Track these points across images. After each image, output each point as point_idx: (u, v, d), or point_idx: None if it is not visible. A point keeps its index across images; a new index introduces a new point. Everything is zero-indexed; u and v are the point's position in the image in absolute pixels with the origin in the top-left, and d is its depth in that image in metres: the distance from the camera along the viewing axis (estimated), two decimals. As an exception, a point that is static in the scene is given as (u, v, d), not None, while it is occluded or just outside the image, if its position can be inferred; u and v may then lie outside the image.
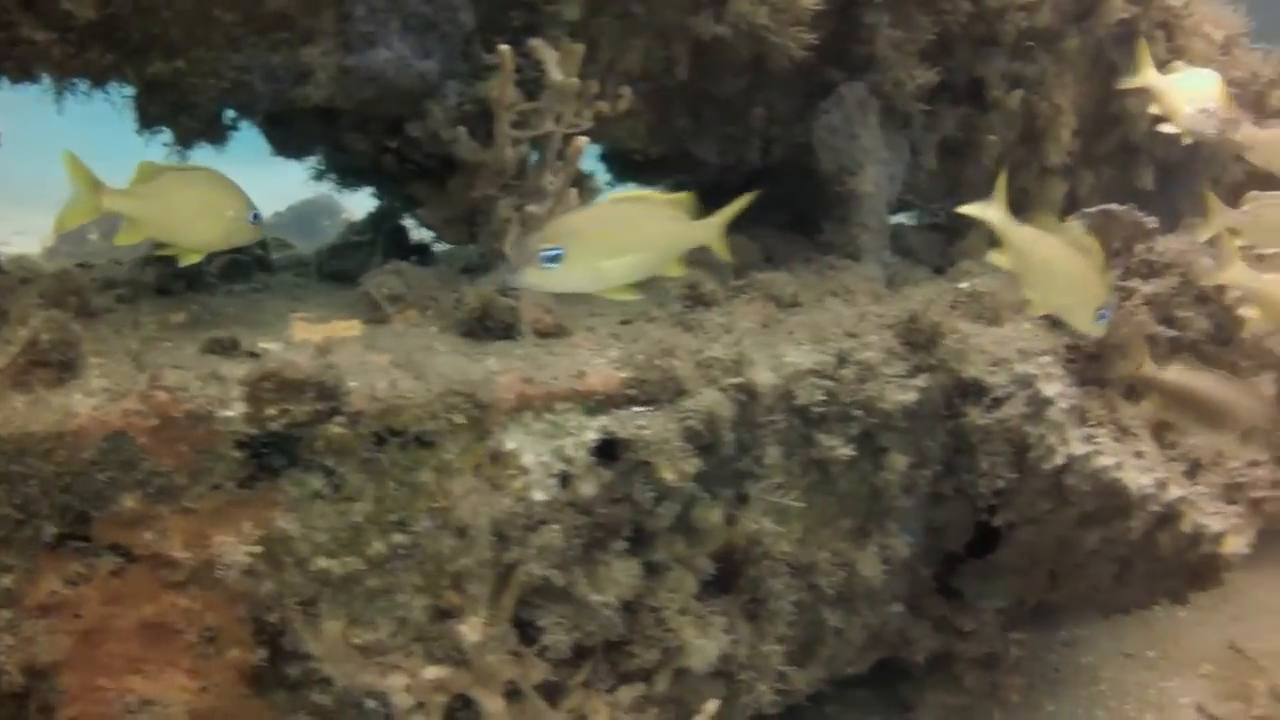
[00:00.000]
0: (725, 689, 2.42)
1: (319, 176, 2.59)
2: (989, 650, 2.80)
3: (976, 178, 3.09)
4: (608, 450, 2.01)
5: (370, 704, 1.96)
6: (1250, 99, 4.17)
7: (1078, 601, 2.83)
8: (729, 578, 2.38)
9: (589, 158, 2.52)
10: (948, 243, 3.21)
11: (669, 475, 1.99)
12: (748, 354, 2.05)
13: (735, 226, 2.07)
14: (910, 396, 2.27)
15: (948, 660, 2.86)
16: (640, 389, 2.01)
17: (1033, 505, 2.51)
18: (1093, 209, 2.81)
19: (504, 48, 2.09)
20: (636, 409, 2.01)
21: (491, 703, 2.06)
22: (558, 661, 2.05)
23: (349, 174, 2.56)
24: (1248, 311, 2.70)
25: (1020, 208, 3.12)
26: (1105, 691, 3.41)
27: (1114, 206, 2.80)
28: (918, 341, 2.36)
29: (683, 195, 1.97)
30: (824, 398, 2.21)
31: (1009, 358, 2.49)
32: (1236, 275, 2.61)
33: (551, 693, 2.10)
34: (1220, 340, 2.79)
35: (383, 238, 2.54)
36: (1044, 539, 2.59)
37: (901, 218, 3.50)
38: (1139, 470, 2.47)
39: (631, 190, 2.82)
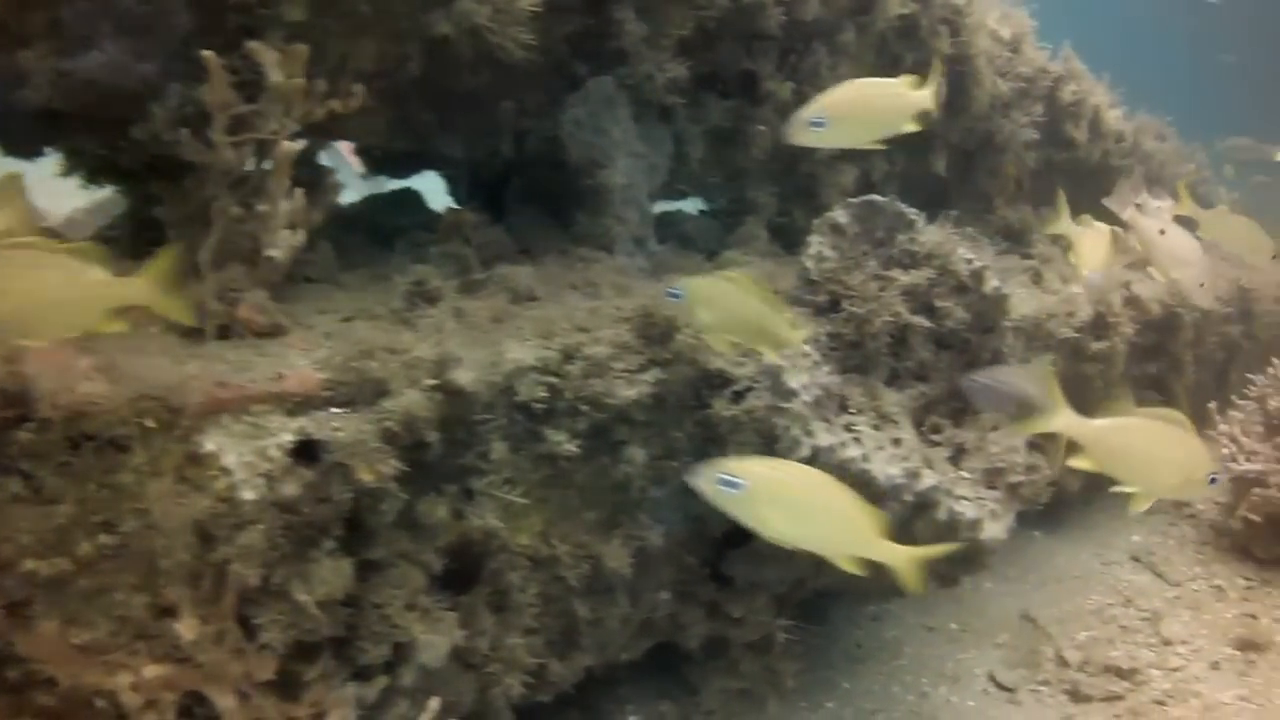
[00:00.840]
0: (475, 681, 2.47)
1: (66, 173, 2.58)
2: (761, 635, 2.86)
3: (748, 166, 3.16)
4: (309, 451, 2.04)
5: (100, 703, 1.98)
6: (1041, 93, 4.30)
7: (850, 585, 2.90)
8: (473, 572, 2.43)
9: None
10: (726, 230, 3.28)
11: (366, 476, 2.02)
12: (451, 354, 2.09)
13: (494, 217, 2.14)
14: (636, 391, 2.32)
15: (725, 645, 2.93)
16: (337, 390, 2.04)
17: (783, 494, 2.56)
18: (856, 199, 2.87)
19: (208, 53, 2.10)
20: (334, 410, 2.04)
21: (223, 700, 2.10)
22: (290, 658, 2.07)
23: (91, 172, 2.56)
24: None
25: (809, 193, 3.22)
26: (904, 665, 3.52)
27: (876, 197, 2.87)
28: (653, 335, 2.40)
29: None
30: (547, 394, 2.26)
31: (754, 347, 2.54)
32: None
33: (288, 689, 2.13)
34: (981, 329, 2.87)
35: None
36: (797, 526, 2.64)
37: (684, 206, 3.57)
38: (888, 460, 2.54)
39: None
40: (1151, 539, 4.54)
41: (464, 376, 2.09)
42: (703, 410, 2.51)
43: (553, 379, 2.26)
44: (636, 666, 2.98)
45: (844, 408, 2.73)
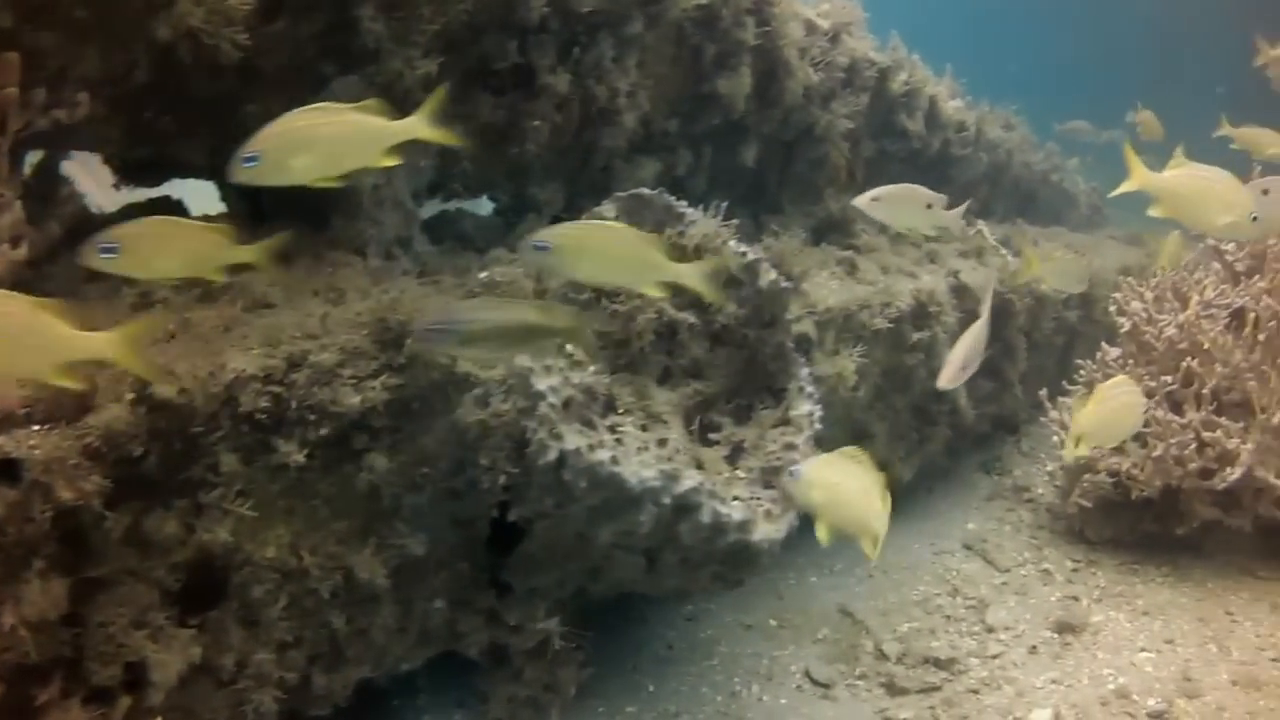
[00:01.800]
0: (227, 699, 2.48)
1: None
2: (540, 642, 2.91)
3: (529, 163, 3.21)
4: (10, 471, 2.04)
5: None
6: (866, 84, 4.40)
7: (645, 585, 2.96)
8: (220, 587, 2.45)
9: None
10: (508, 227, 3.32)
11: (66, 494, 2.04)
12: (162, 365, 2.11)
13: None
14: (362, 399, 2.35)
15: (507, 653, 2.97)
16: (35, 407, 2.05)
17: (540, 501, 2.61)
18: (624, 193, 2.92)
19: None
20: (35, 427, 2.05)
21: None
22: (16, 682, 2.08)
23: None
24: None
25: (604, 189, 3.27)
26: (716, 665, 3.59)
27: (645, 191, 2.93)
28: (388, 340, 2.44)
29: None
30: (270, 404, 2.28)
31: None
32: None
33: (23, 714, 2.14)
34: (761, 324, 2.93)
35: None
36: (561, 533, 2.70)
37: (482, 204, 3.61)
38: (644, 463, 2.58)
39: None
40: (987, 526, 4.66)
41: (165, 390, 2.10)
42: (451, 415, 2.53)
43: (277, 388, 2.28)
44: (440, 674, 3.03)
45: (611, 408, 2.78)
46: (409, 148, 2.31)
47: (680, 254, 2.90)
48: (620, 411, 2.78)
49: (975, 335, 3.14)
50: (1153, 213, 3.12)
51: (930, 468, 4.72)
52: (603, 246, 2.35)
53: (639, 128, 3.54)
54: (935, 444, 4.44)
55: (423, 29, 2.73)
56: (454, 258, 3.03)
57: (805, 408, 2.93)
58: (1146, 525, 4.51)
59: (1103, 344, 4.73)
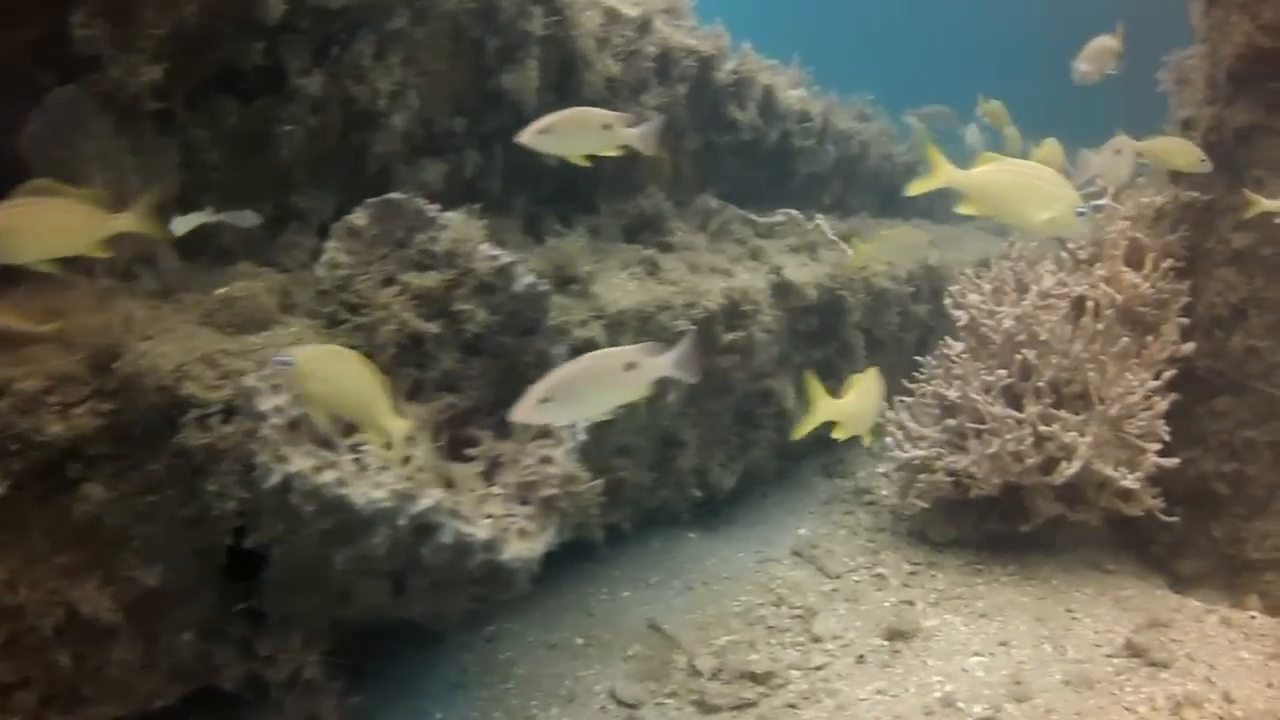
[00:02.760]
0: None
1: None
2: (295, 672, 2.95)
3: (282, 170, 3.25)
4: None
5: None
6: (685, 74, 4.50)
7: (383, 614, 3.02)
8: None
9: None
10: (271, 238, 3.35)
11: None
12: None
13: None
14: (66, 426, 2.39)
15: (264, 685, 3.01)
16: None
17: (272, 526, 2.66)
18: (375, 200, 2.98)
19: None
20: None
21: None
22: None
23: None
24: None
25: (378, 191, 3.33)
26: (512, 689, 3.64)
27: (396, 195, 2.99)
28: (101, 363, 2.47)
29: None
30: (-28, 434, 2.31)
31: (239, 369, 2.64)
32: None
33: None
34: (519, 331, 3.00)
35: None
36: (298, 559, 2.74)
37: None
38: (376, 484, 2.63)
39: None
40: (820, 531, 4.78)
41: None
42: (177, 439, 2.57)
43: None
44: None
45: (354, 426, 2.83)
46: (152, 155, 2.35)
47: (431, 260, 2.96)
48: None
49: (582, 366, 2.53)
50: (961, 210, 3.23)
51: (760, 472, 4.83)
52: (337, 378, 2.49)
53: (418, 128, 3.58)
54: (760, 449, 4.55)
55: (146, 33, 2.76)
56: (206, 273, 3.05)
57: (567, 418, 2.99)
58: (992, 524, 4.65)
59: (946, 338, 4.87)
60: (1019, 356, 4.43)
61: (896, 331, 5.39)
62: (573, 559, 3.92)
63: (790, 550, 4.58)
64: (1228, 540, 4.56)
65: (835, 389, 4.93)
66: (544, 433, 2.99)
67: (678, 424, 4.08)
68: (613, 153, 3.01)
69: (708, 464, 4.34)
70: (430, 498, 2.67)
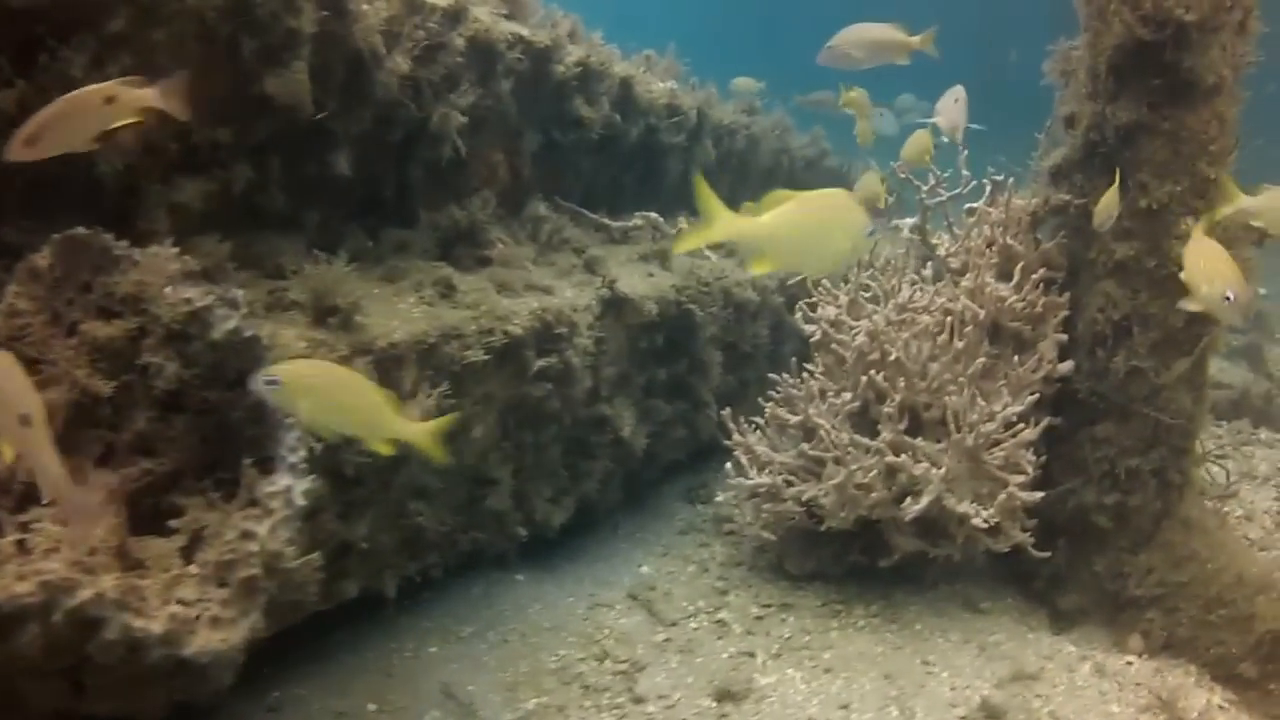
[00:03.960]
0: None
1: None
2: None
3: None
4: None
5: None
6: (514, 67, 4.16)
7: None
8: None
9: None
10: None
11: None
12: None
13: None
14: None
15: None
16: None
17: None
18: (59, 234, 2.62)
19: None
20: None
21: None
22: None
23: None
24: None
25: (125, 218, 2.97)
26: (289, 767, 3.32)
27: (81, 230, 2.63)
28: None
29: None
30: None
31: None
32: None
33: None
34: (223, 383, 2.66)
35: None
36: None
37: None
38: (18, 577, 2.29)
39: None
40: (666, 568, 4.44)
41: None
42: None
43: None
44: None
45: (34, 499, 2.49)
46: None
47: (115, 306, 2.62)
48: (46, 503, 2.48)
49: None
50: (755, 270, 2.92)
51: (607, 502, 4.48)
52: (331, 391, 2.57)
53: (170, 142, 3.22)
54: (594, 479, 4.20)
55: None
56: None
57: (281, 482, 2.64)
58: (854, 556, 4.33)
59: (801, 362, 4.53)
60: (867, 378, 4.08)
61: (767, 345, 5.03)
62: (378, 610, 3.61)
63: (626, 592, 4.24)
64: (1110, 575, 4.26)
65: (690, 411, 4.65)
66: (252, 501, 2.64)
67: (487, 460, 3.73)
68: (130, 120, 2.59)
69: (532, 500, 3.99)
70: (92, 588, 2.32)
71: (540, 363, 3.74)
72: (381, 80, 3.61)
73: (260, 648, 2.75)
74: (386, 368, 3.24)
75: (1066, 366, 4.21)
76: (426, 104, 3.83)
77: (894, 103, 9.37)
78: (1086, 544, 4.31)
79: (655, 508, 4.93)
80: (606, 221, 4.70)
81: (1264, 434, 6.95)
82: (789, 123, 7.07)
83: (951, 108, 4.69)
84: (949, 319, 4.16)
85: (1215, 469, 4.91)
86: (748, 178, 6.43)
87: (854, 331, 4.18)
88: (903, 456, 3.94)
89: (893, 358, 4.02)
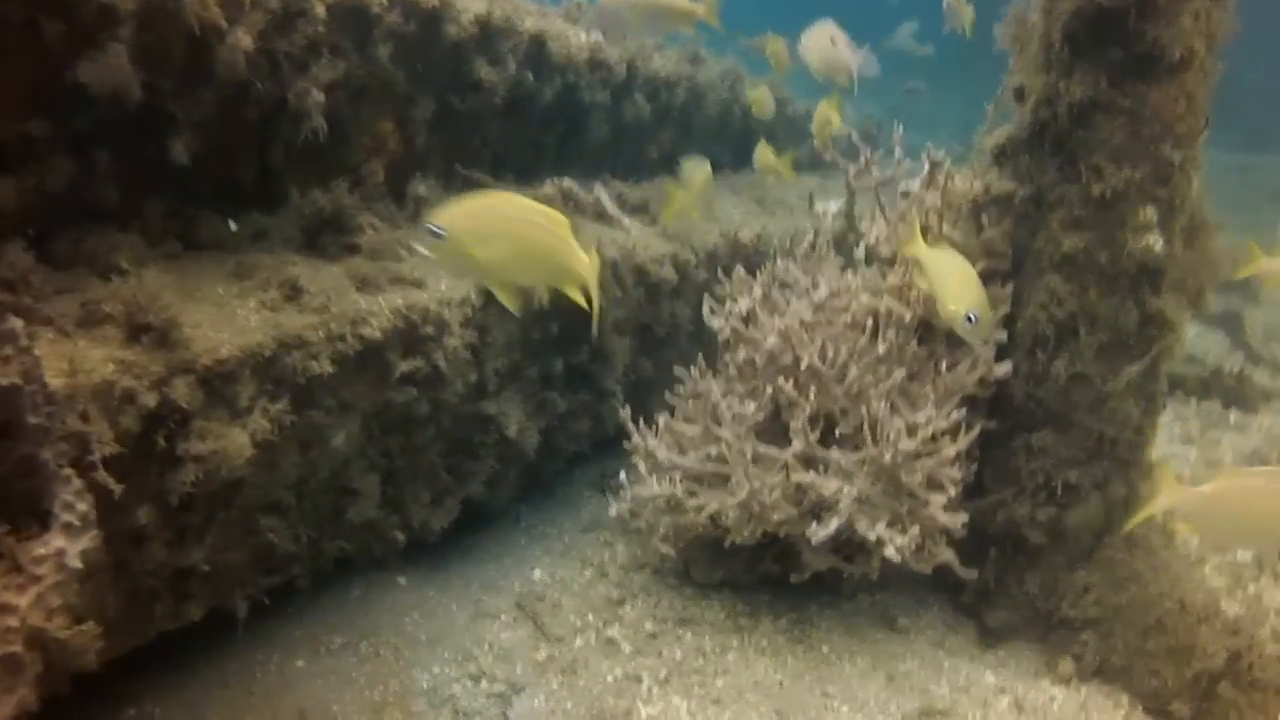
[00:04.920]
0: None
1: None
2: None
3: None
4: None
5: None
6: (390, 32, 3.86)
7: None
8: None
9: None
10: None
11: None
12: None
13: None
14: None
15: None
16: None
17: None
18: None
19: None
20: None
21: None
22: None
23: None
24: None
25: None
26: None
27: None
28: None
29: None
30: None
31: None
32: None
33: None
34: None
35: None
36: None
37: None
38: None
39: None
40: (560, 572, 4.21)
41: None
42: None
43: None
44: None
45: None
46: None
47: None
48: None
49: None
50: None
51: (499, 502, 4.24)
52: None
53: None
54: (478, 480, 3.96)
55: None
56: None
57: (54, 544, 2.42)
58: (767, 565, 4.10)
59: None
60: (775, 388, 3.79)
61: (689, 324, 4.74)
62: (253, 616, 3.39)
63: (515, 600, 4.01)
64: (1043, 593, 4.04)
65: (594, 401, 4.38)
66: (16, 567, 2.42)
67: (349, 470, 3.49)
68: None
69: (409, 505, 3.77)
70: None
71: (404, 366, 3.46)
72: (223, 58, 3.31)
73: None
74: (214, 386, 2.99)
75: (1004, 368, 3.90)
76: (284, 79, 3.53)
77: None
78: (1019, 558, 4.07)
79: (564, 497, 4.71)
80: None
81: (1234, 417, 6.65)
82: (741, 71, 6.67)
83: (826, 48, 4.26)
84: (871, 319, 3.85)
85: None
86: (691, 131, 6.07)
87: (766, 330, 3.87)
88: (811, 475, 3.66)
89: (805, 365, 3.72)
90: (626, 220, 4.71)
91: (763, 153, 5.19)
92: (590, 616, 3.96)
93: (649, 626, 3.93)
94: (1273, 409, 6.75)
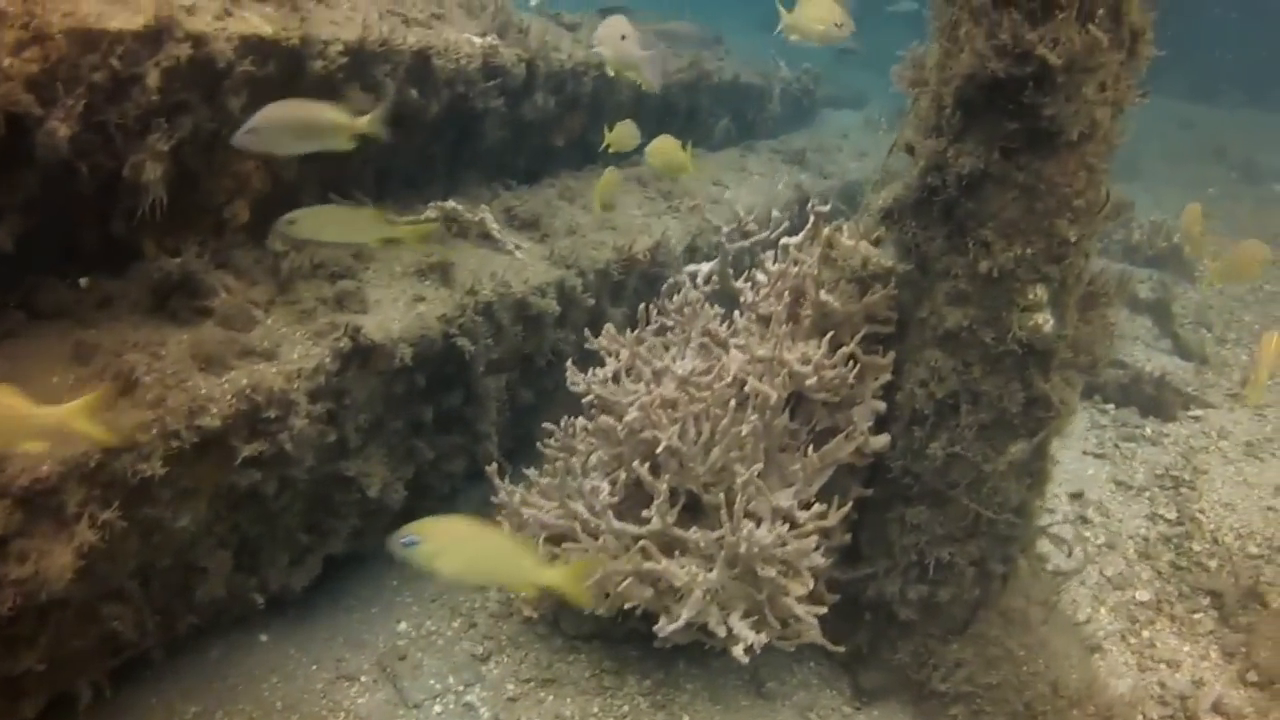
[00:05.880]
0: None
1: None
2: None
3: None
4: None
5: None
6: (243, 80, 3.72)
7: None
8: None
9: None
10: None
11: None
12: None
13: None
14: None
15: None
16: None
17: None
18: None
19: None
20: None
21: None
22: None
23: None
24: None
25: None
26: None
27: None
28: None
29: None
30: None
31: None
32: None
33: None
34: None
35: None
36: None
37: None
38: None
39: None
40: (427, 625, 4.21)
41: None
42: None
43: None
44: None
45: None
46: None
47: None
48: None
49: None
50: None
51: (365, 552, 4.23)
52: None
53: None
54: (341, 538, 3.97)
55: None
56: None
57: None
58: (634, 621, 4.09)
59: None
60: (629, 470, 3.75)
61: (574, 350, 4.68)
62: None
63: (377, 658, 4.03)
64: (915, 663, 4.05)
65: (469, 443, 4.35)
66: None
67: (196, 549, 3.49)
68: None
69: (266, 570, 3.77)
70: None
71: (247, 451, 3.43)
72: (42, 141, 3.20)
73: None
74: (35, 504, 2.97)
75: (880, 441, 3.84)
76: (119, 151, 3.42)
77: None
78: (891, 628, 4.05)
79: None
80: (391, 219, 4.29)
81: (1150, 427, 6.54)
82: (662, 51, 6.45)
83: (618, 44, 4.08)
84: (733, 397, 3.78)
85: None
86: (603, 115, 5.88)
87: (628, 400, 3.82)
88: (662, 564, 3.65)
89: (662, 447, 3.67)
90: (511, 243, 4.61)
91: (657, 153, 4.93)
92: (451, 679, 3.98)
93: (510, 689, 3.95)
94: (1190, 415, 6.69)
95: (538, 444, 4.26)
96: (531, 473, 4.18)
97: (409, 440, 4.16)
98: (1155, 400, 6.60)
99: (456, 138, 4.99)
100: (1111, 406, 6.75)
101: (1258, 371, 5.04)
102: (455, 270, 4.26)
